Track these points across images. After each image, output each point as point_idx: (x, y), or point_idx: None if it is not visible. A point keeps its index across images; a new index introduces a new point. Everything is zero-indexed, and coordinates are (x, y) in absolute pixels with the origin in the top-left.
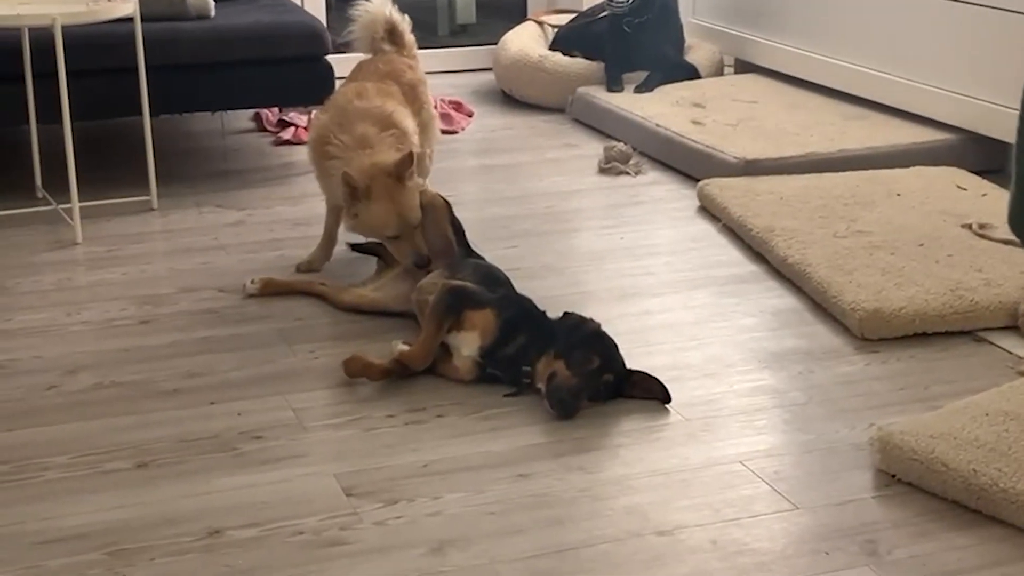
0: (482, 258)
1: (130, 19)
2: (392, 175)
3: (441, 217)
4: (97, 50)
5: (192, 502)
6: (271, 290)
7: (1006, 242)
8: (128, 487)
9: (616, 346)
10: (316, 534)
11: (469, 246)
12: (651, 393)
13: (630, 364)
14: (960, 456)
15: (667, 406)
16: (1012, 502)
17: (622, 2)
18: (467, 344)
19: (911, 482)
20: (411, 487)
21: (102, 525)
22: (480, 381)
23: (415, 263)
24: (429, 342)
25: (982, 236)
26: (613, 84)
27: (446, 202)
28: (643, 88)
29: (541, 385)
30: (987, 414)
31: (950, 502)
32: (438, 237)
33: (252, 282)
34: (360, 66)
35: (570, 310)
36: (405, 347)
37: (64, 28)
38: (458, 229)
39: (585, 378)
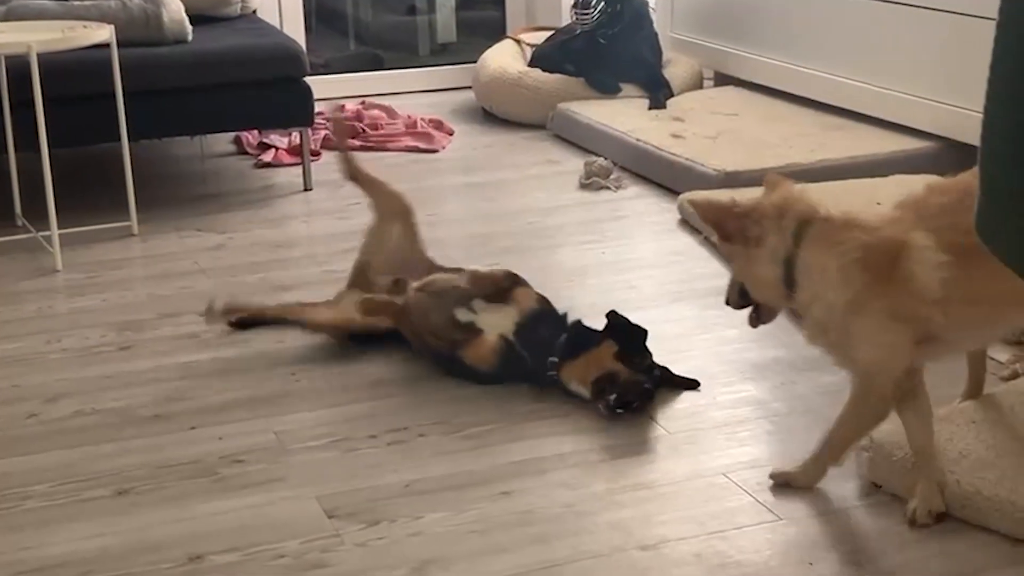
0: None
1: (106, 45)
2: None
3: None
4: (74, 77)
5: (172, 528)
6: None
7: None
8: (108, 515)
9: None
10: (298, 557)
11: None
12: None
13: None
14: (943, 466)
15: (652, 419)
16: (996, 509)
17: (586, 17)
18: (504, 318)
19: (895, 492)
20: (393, 507)
21: (82, 554)
22: (502, 369)
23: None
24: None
25: None
26: (609, 89)
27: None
28: (656, 104)
29: (579, 388)
30: (974, 421)
31: None
32: (411, 251)
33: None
34: None
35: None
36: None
37: (40, 55)
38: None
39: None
